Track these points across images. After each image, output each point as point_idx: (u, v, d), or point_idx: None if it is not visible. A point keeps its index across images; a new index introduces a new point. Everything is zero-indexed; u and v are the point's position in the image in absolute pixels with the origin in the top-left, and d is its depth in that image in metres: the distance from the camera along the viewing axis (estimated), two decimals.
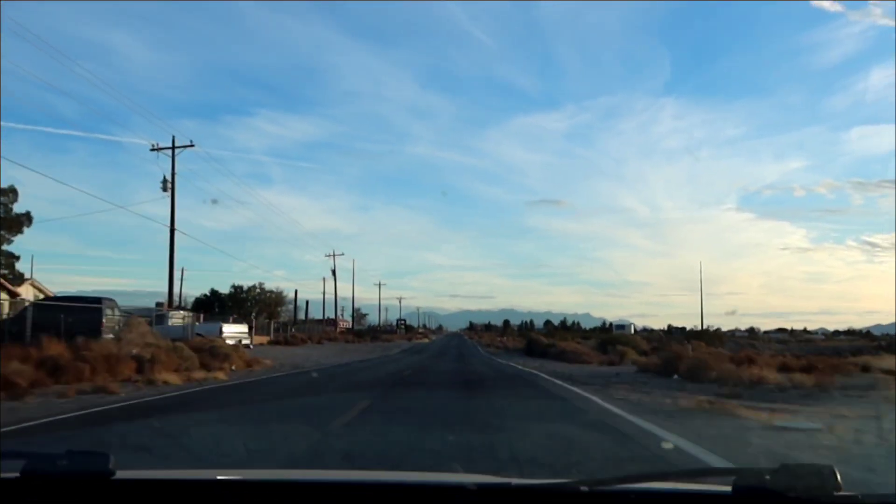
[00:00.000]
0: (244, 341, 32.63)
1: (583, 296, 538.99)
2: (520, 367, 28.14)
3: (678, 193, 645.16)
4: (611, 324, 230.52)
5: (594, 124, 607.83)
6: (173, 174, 39.47)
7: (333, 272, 79.27)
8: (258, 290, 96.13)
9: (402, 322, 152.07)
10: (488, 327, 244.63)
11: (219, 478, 2.02)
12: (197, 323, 33.19)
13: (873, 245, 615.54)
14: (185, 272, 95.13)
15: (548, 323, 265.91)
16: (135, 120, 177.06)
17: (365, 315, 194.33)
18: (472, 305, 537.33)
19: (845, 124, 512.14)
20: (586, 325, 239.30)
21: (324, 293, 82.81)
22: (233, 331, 31.98)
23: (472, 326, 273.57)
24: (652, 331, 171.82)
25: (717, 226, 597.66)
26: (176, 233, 38.15)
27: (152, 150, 39.51)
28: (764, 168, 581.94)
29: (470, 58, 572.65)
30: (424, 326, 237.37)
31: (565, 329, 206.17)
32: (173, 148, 39.72)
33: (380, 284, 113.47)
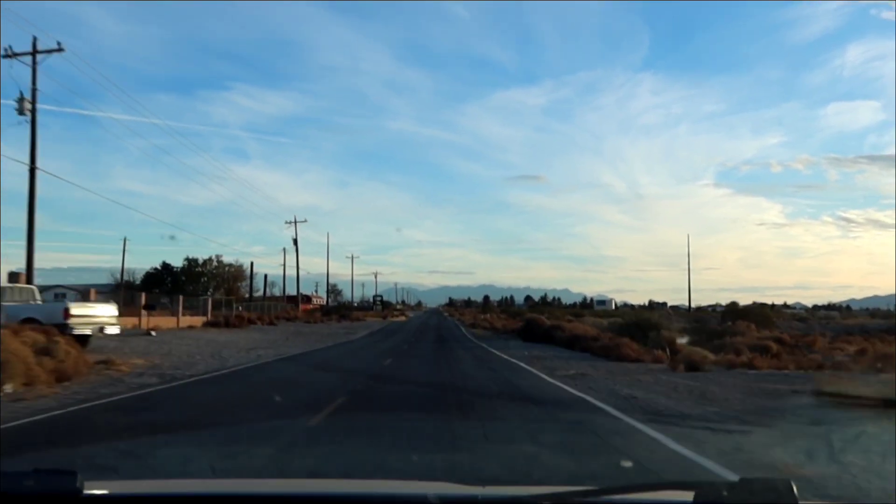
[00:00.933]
0: (110, 329, 20.88)
1: (561, 271, 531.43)
2: (544, 375, 16.60)
3: (656, 169, 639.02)
4: (591, 299, 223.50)
5: (572, 99, 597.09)
6: (34, 91, 27.41)
7: (295, 242, 67.26)
8: (215, 264, 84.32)
9: (379, 298, 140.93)
10: (468, 303, 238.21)
11: (187, 491, 1.97)
12: (36, 301, 21.28)
13: (848, 220, 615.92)
14: (128, 243, 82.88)
15: (528, 298, 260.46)
16: (107, 96, 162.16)
17: (340, 291, 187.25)
18: (452, 281, 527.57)
19: (822, 100, 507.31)
20: (566, 300, 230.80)
21: (284, 265, 70.98)
22: (88, 313, 20.17)
23: (451, 302, 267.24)
24: (633, 307, 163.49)
25: (695, 201, 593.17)
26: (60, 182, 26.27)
27: (6, 56, 27.34)
28: (742, 144, 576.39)
29: (447, 32, 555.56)
30: (403, 303, 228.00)
31: (546, 305, 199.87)
32: (34, 53, 27.57)
33: (352, 257, 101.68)
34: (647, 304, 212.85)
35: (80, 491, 1.70)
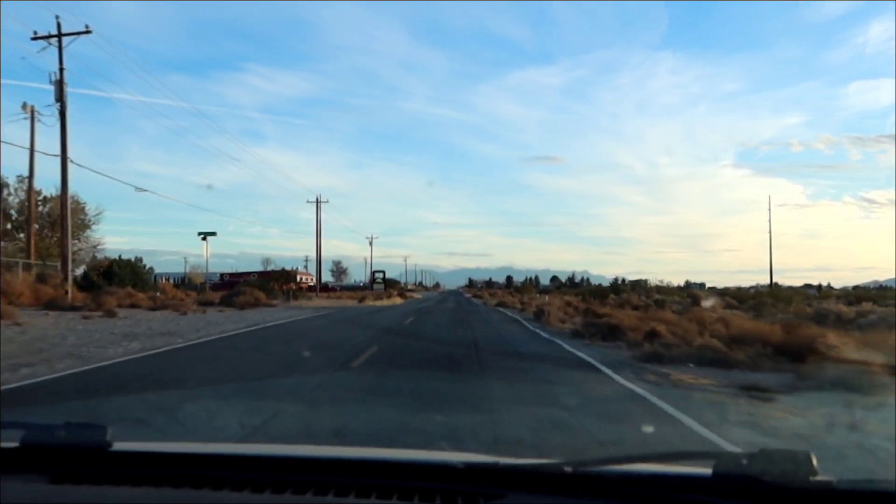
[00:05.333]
0: None
1: (579, 253, 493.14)
2: None
3: (675, 150, 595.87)
4: (623, 280, 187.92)
5: (590, 79, 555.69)
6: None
7: (58, 90, 33.33)
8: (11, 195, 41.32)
9: (381, 275, 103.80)
10: (489, 284, 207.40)
11: (212, 451, 1.91)
12: None
13: (870, 201, 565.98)
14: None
15: (554, 279, 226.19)
16: (124, 75, 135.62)
17: (345, 270, 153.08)
18: (470, 263, 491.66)
19: (844, 79, 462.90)
20: (591, 282, 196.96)
21: (31, 155, 33.48)
22: None
23: (471, 283, 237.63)
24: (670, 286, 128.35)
25: (714, 182, 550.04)
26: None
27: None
28: (761, 123, 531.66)
29: (463, 9, 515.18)
30: (420, 284, 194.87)
31: (574, 285, 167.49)
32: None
33: (318, 200, 64.35)
34: (683, 284, 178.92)
35: (110, 444, 1.66)
